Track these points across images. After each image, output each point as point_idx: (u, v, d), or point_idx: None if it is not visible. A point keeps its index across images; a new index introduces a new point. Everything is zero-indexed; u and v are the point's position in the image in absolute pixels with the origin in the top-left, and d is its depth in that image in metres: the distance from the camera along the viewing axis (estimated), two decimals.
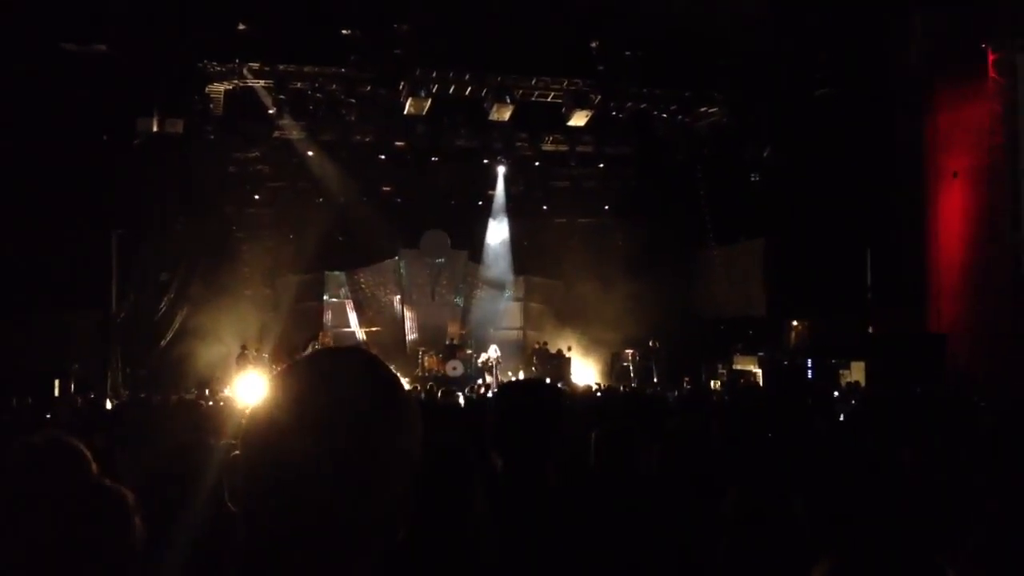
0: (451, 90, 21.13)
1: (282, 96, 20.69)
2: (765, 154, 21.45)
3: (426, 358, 24.51)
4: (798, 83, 19.73)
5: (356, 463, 1.36)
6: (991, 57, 17.83)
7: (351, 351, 1.53)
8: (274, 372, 1.53)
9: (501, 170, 25.59)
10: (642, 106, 22.72)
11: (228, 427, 7.46)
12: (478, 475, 2.20)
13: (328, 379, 1.43)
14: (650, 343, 23.97)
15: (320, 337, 23.48)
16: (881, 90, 19.01)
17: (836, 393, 14.32)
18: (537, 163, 25.52)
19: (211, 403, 13.05)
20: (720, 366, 22.27)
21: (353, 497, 1.36)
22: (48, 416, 10.86)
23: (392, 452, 1.41)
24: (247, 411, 1.43)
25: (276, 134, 22.42)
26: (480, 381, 22.61)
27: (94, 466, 2.64)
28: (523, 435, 2.59)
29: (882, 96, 19.03)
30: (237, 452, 1.40)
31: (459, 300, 27.36)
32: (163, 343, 21.11)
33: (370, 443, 1.38)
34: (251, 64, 19.80)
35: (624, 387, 19.53)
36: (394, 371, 1.51)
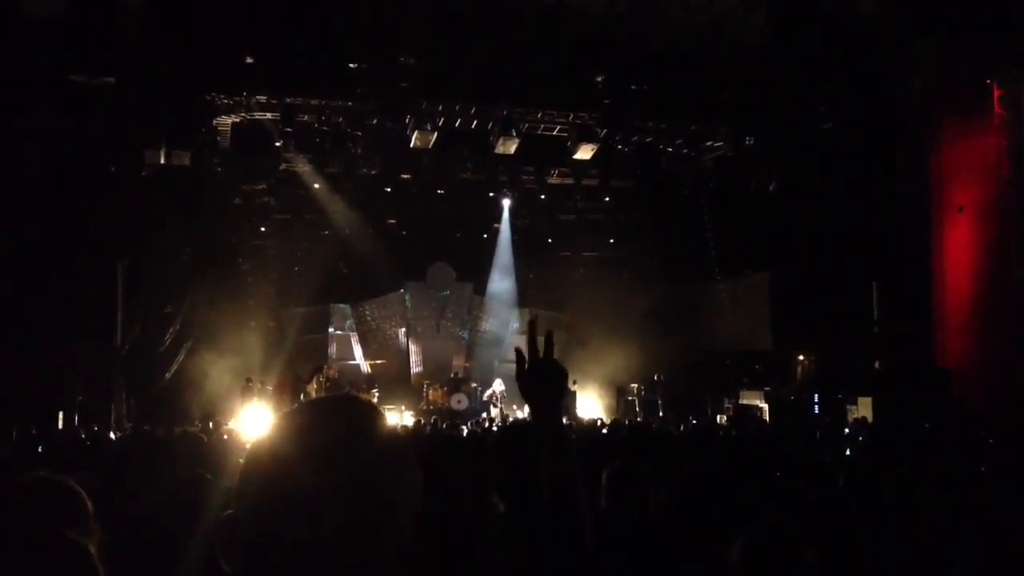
0: (457, 123, 21.24)
1: (289, 129, 20.77)
2: (771, 187, 21.45)
3: (431, 391, 24.45)
4: (803, 116, 19.79)
5: (359, 512, 1.33)
6: (996, 92, 17.87)
7: (346, 399, 1.50)
8: (268, 425, 1.47)
9: (507, 203, 25.63)
10: (647, 139, 22.80)
11: (232, 462, 7.41)
12: (483, 519, 2.16)
13: (325, 429, 1.40)
14: (655, 377, 23.86)
15: (325, 370, 23.43)
16: (886, 123, 19.04)
17: (846, 431, 14.24)
18: (543, 196, 25.57)
19: (215, 437, 12.99)
20: (726, 400, 22.16)
21: (357, 545, 1.33)
22: (48, 448, 10.79)
23: (393, 500, 1.38)
24: (241, 468, 1.39)
25: (282, 166, 22.51)
26: (484, 415, 22.53)
27: (90, 505, 2.59)
28: (526, 479, 2.54)
29: (887, 129, 19.06)
30: (230, 512, 1.36)
31: (464, 333, 27.32)
32: (167, 375, 21.07)
33: (373, 491, 1.35)
34: (258, 97, 19.91)
35: (629, 421, 19.42)
36: (388, 416, 1.49)
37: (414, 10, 18.49)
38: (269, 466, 1.36)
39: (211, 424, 18.04)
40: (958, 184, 18.53)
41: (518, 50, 18.66)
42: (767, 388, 21.01)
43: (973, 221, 18.30)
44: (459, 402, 23.60)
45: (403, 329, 26.94)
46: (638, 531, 3.26)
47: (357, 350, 26.46)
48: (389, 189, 24.03)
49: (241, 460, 1.40)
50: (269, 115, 20.52)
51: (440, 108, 20.57)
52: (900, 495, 4.39)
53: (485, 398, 24.07)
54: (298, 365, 23.76)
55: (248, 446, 1.42)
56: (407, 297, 26.85)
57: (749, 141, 21.90)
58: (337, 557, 1.31)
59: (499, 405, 23.67)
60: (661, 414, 22.77)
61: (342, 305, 26.45)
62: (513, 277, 26.60)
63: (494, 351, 27.43)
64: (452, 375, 25.40)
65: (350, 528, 1.32)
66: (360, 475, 1.34)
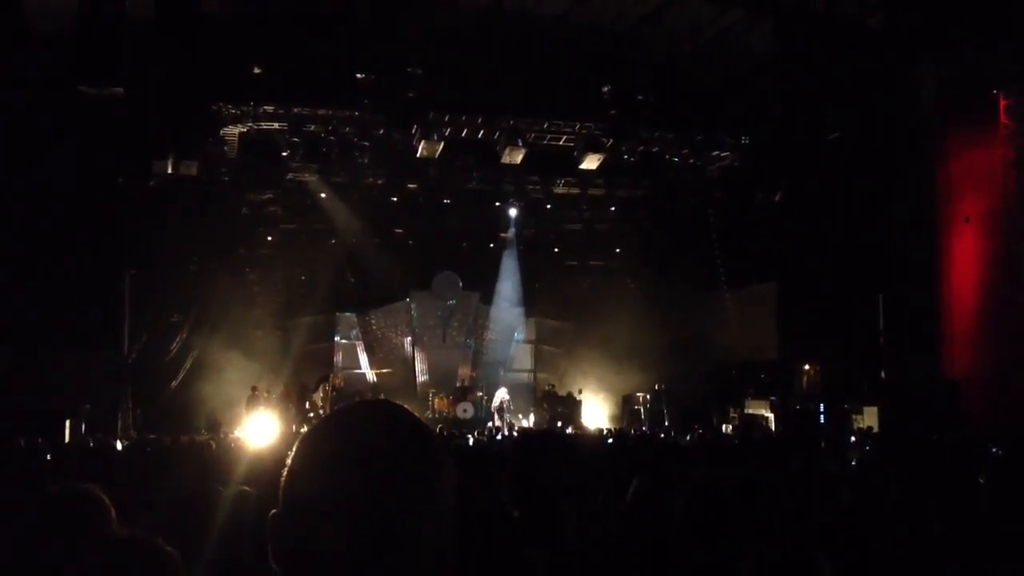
0: (463, 133, 21.26)
1: (296, 139, 20.84)
2: (777, 198, 21.47)
3: (436, 400, 24.44)
4: (809, 127, 19.79)
5: (402, 519, 1.37)
6: (1003, 103, 17.87)
7: (384, 404, 1.55)
8: (309, 428, 1.53)
9: (513, 213, 25.64)
10: (654, 149, 22.80)
11: (238, 471, 7.44)
12: (496, 525, 2.18)
13: (367, 434, 1.45)
14: (660, 386, 23.86)
15: (331, 378, 23.45)
16: (892, 134, 19.05)
17: (852, 439, 14.22)
18: (549, 206, 25.60)
19: (221, 445, 13.03)
20: (732, 410, 22.15)
21: (401, 555, 1.36)
22: (56, 458, 10.82)
23: (436, 505, 1.42)
24: (285, 471, 1.44)
25: (289, 176, 22.55)
26: (490, 424, 22.52)
27: (114, 513, 2.63)
28: (540, 486, 2.57)
29: (893, 140, 19.06)
30: (276, 511, 1.41)
31: (470, 342, 27.30)
32: (174, 384, 21.12)
33: (414, 498, 1.39)
34: (265, 107, 19.97)
35: (635, 431, 19.41)
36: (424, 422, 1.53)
37: (421, 21, 18.56)
38: (313, 467, 1.41)
39: (217, 433, 18.10)
40: (965, 195, 18.53)
41: (525, 61, 18.72)
42: (773, 398, 21.00)
43: (979, 232, 18.29)
44: (465, 411, 23.59)
45: (409, 338, 26.93)
46: (649, 542, 3.28)
47: (363, 359, 26.46)
48: (396, 199, 24.08)
49: (288, 458, 1.45)
50: (276, 125, 20.58)
51: (447, 118, 20.61)
52: (909, 506, 4.40)
53: (491, 407, 24.07)
54: (304, 374, 23.78)
55: (294, 446, 1.47)
56: (413, 306, 26.83)
57: (755, 151, 21.90)
58: (380, 558, 1.35)
59: (505, 414, 23.67)
60: (667, 423, 22.76)
61: (348, 314, 26.47)
62: (519, 286, 26.60)
63: (500, 360, 27.43)
64: (458, 384, 25.39)
65: (392, 529, 1.36)
66: (403, 478, 1.39)
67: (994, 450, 9.22)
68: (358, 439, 1.43)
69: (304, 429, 1.53)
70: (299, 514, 1.38)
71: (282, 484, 1.42)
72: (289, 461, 1.44)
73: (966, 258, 18.45)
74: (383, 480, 1.38)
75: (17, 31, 15.92)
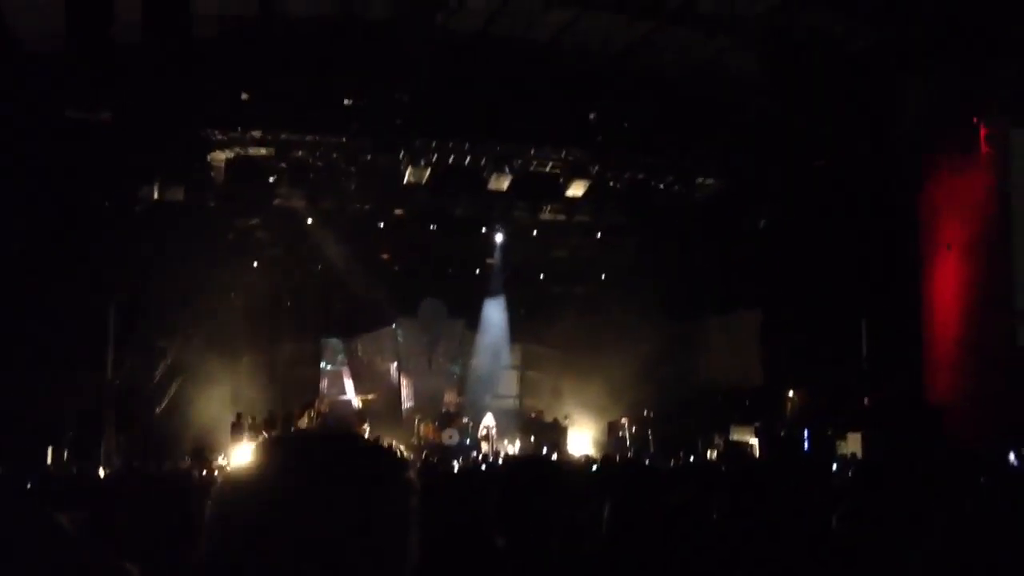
0: (450, 160, 21.30)
1: (283, 164, 20.85)
2: (761, 225, 21.54)
3: (422, 426, 24.35)
4: (795, 154, 19.90)
5: (344, 542, 1.31)
6: (983, 131, 18.00)
7: (326, 433, 1.51)
8: (255, 449, 1.48)
9: (499, 239, 25.69)
10: (640, 176, 22.88)
11: None
12: (481, 555, 2.18)
13: (312, 457, 1.39)
14: (646, 413, 23.83)
15: (316, 404, 23.36)
16: (876, 161, 19.15)
17: (835, 466, 14.21)
18: (535, 232, 25.64)
19: (205, 473, 12.96)
20: (717, 436, 22.11)
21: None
22: (37, 484, 10.72)
23: (383, 531, 1.36)
24: (211, 502, 1.37)
25: (276, 202, 22.53)
26: (475, 452, 22.46)
27: (77, 538, 2.57)
28: (526, 515, 2.56)
29: (877, 167, 19.16)
30: (208, 543, 1.33)
31: (456, 368, 27.29)
32: (158, 410, 21.00)
33: (359, 521, 1.33)
34: (253, 132, 19.97)
35: (620, 458, 19.35)
36: (390, 447, 1.49)
37: (408, 47, 18.63)
38: (241, 500, 1.36)
39: (201, 460, 18.00)
40: (947, 222, 18.61)
41: (511, 88, 18.80)
42: (758, 424, 20.98)
43: (962, 258, 18.36)
44: (450, 437, 23.51)
45: (395, 364, 26.90)
46: (631, 566, 3.28)
47: (348, 385, 26.39)
48: (382, 224, 24.11)
49: (211, 495, 1.39)
50: (263, 151, 20.58)
51: (434, 145, 20.66)
52: (894, 533, 4.40)
53: (477, 434, 24.01)
54: (289, 400, 23.69)
55: (219, 480, 1.40)
56: (399, 332, 26.83)
57: (741, 178, 22.01)
58: None
59: (491, 440, 23.61)
60: (652, 450, 22.70)
61: (334, 340, 26.42)
62: (505, 313, 26.62)
63: (486, 387, 27.38)
64: (444, 410, 25.30)
65: (331, 558, 1.30)
66: (336, 507, 1.33)
67: (980, 479, 9.25)
68: (285, 470, 1.36)
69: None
70: (230, 547, 1.32)
71: (208, 517, 1.35)
72: (213, 494, 1.36)
73: (948, 284, 18.52)
74: (318, 514, 1.31)
75: (7, 52, 15.92)
